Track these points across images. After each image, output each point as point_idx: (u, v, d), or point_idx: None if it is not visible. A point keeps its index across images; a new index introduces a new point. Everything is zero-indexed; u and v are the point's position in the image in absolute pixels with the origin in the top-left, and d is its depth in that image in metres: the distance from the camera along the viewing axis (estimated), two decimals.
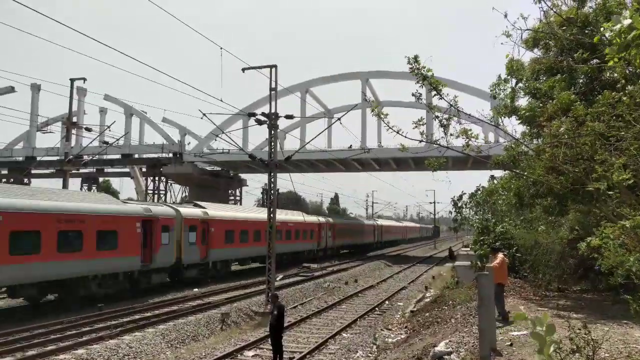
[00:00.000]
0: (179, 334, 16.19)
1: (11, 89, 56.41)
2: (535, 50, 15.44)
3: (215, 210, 29.58)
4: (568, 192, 11.19)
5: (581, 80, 14.27)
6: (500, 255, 12.54)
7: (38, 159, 53.93)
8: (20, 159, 56.87)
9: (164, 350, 14.77)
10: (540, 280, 16.94)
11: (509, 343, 9.19)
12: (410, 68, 11.05)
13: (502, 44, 10.11)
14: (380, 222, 70.03)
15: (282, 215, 37.01)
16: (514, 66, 14.49)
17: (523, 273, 18.56)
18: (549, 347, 2.69)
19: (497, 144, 23.88)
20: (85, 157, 37.21)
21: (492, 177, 31.67)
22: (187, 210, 26.47)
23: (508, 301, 13.78)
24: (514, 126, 15.01)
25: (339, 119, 23.63)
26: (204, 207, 28.85)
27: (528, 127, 15.23)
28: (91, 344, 14.02)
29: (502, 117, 14.65)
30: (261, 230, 30.68)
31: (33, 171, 57.43)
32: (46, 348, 13.41)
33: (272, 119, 21.46)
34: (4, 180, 57.40)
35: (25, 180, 57.13)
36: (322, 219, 47.11)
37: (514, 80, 15.30)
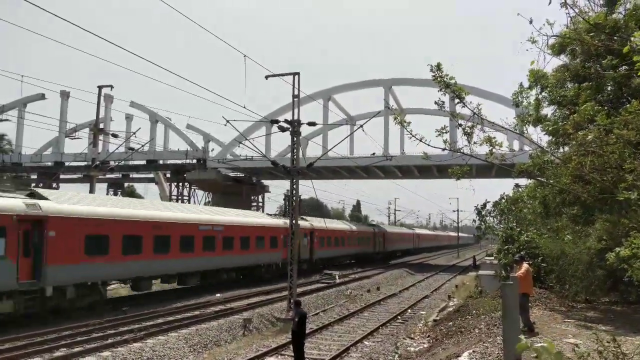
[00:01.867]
0: (201, 338, 16.33)
1: (41, 96, 58.02)
2: (562, 56, 15.23)
3: (317, 222, 39.92)
4: (596, 201, 10.98)
5: (609, 88, 14.02)
6: (525, 265, 12.35)
7: (66, 164, 55.18)
8: (50, 164, 58.26)
9: (187, 355, 14.90)
10: (567, 291, 16.61)
11: (535, 355, 9.02)
12: (433, 76, 11.04)
13: (527, 50, 10.01)
14: (418, 230, 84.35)
15: (346, 225, 50.17)
16: (536, 75, 14.29)
17: (549, 283, 18.22)
18: None
19: (521, 152, 23.58)
20: (112, 162, 37.96)
21: (517, 185, 31.25)
22: (303, 223, 35.22)
23: (534, 312, 13.54)
24: (539, 134, 14.75)
25: (361, 126, 23.65)
26: (309, 220, 38.49)
27: (553, 137, 15.02)
28: (116, 346, 14.24)
29: (527, 126, 14.48)
30: (345, 237, 45.37)
31: (61, 176, 58.83)
32: (73, 350, 13.67)
33: (294, 126, 21.58)
34: (32, 184, 58.89)
35: (54, 185, 58.53)
36: (376, 229, 57.61)
37: (537, 89, 15.11)
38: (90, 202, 20.86)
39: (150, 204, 25.75)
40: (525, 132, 13.61)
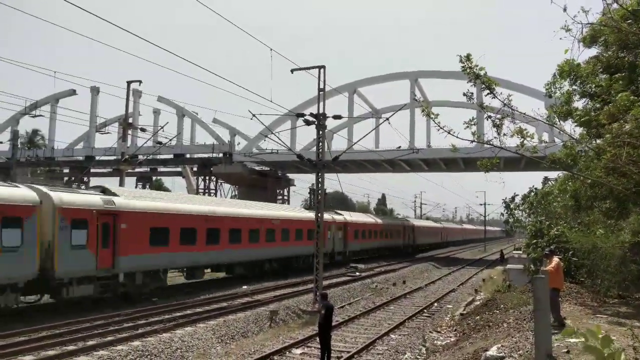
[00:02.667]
0: (228, 329, 16.55)
1: (72, 92, 59.38)
2: (594, 47, 14.81)
3: (350, 217, 41.95)
4: (631, 194, 10.69)
5: None
6: (555, 259, 12.13)
7: (97, 158, 56.39)
8: (81, 158, 59.64)
9: (215, 345, 15.14)
10: (599, 286, 16.25)
11: (566, 350, 8.87)
12: (463, 67, 10.87)
13: (560, 39, 9.75)
14: (445, 224, 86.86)
15: (377, 219, 52.22)
16: (567, 67, 13.89)
17: (580, 278, 17.86)
18: (619, 355, 2.59)
19: (553, 144, 23.09)
20: (140, 156, 38.60)
21: (546, 178, 30.65)
22: (338, 217, 39.03)
23: (564, 307, 13.30)
24: (571, 126, 14.38)
25: (387, 119, 23.47)
26: (342, 214, 40.71)
27: (585, 129, 14.63)
28: (146, 336, 14.54)
29: (559, 118, 14.13)
30: (377, 231, 47.51)
31: (91, 170, 60.17)
32: (105, 338, 14.02)
33: (320, 120, 21.57)
34: (65, 178, 60.42)
35: (85, 179, 59.95)
36: (406, 222, 60.12)
37: (570, 80, 14.71)
38: (153, 197, 23.06)
39: (202, 199, 28.07)
40: (557, 123, 13.28)
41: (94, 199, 18.47)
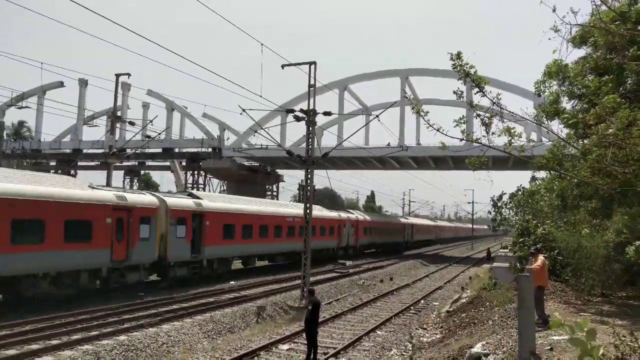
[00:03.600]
0: (215, 325, 16.51)
1: (60, 84, 58.64)
2: (583, 47, 14.91)
3: (360, 215, 48.07)
4: (615, 194, 10.80)
5: (630, 80, 13.70)
6: (541, 257, 12.23)
7: (84, 151, 55.84)
8: (68, 151, 59.01)
9: (201, 341, 15.09)
10: (583, 285, 16.42)
11: (549, 347, 8.97)
12: (453, 65, 10.89)
13: (549, 39, 9.80)
14: (440, 223, 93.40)
15: (383, 217, 58.94)
16: (556, 67, 13.96)
17: (564, 277, 18.04)
18: (597, 350, 2.62)
19: (540, 143, 23.26)
20: (128, 150, 38.31)
21: (534, 177, 30.92)
22: (350, 215, 44.66)
23: (549, 305, 13.44)
24: (559, 126, 14.48)
25: (377, 116, 23.46)
26: (354, 214, 46.50)
27: (572, 130, 14.74)
28: (132, 331, 14.46)
29: (547, 118, 14.21)
30: (383, 229, 53.00)
31: (79, 163, 59.57)
32: (90, 333, 13.91)
33: (310, 116, 21.53)
34: (52, 171, 59.75)
35: (72, 172, 59.33)
36: (405, 221, 64.83)
37: (558, 80, 14.80)
38: (224, 200, 28.81)
39: (255, 201, 33.40)
40: (545, 122, 13.36)
41: (189, 202, 23.82)
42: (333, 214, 40.98)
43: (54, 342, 12.95)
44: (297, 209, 32.77)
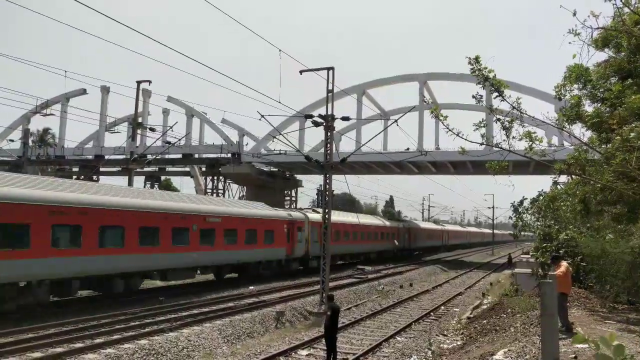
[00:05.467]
0: (234, 330, 16.58)
1: (83, 91, 59.72)
2: (605, 50, 14.65)
3: (412, 224, 60.91)
4: None
5: None
6: (564, 264, 12.04)
7: (106, 157, 56.69)
8: (91, 157, 59.97)
9: (221, 345, 15.17)
10: (608, 292, 16.12)
11: (573, 356, 8.81)
12: (472, 69, 10.82)
13: (569, 43, 9.67)
14: (448, 227, 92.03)
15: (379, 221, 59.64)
16: (576, 71, 13.71)
17: (588, 283, 17.72)
18: None
19: (562, 147, 22.91)
20: (149, 156, 38.75)
21: (555, 182, 30.41)
22: (405, 223, 58.01)
23: (572, 312, 13.20)
24: (581, 130, 14.23)
25: (395, 121, 23.39)
26: (407, 222, 60.13)
27: (596, 133, 14.48)
28: (153, 335, 14.61)
29: (568, 122, 14.00)
30: (432, 234, 66.53)
31: (101, 169, 60.51)
32: (112, 337, 14.10)
33: (328, 121, 21.57)
34: (74, 177, 60.82)
35: (94, 177, 60.30)
36: (441, 226, 76.74)
37: (579, 84, 14.55)
38: (319, 212, 34.82)
39: (342, 213, 42.64)
40: (567, 126, 13.16)
41: (318, 216, 31.62)
42: (377, 220, 51.83)
43: (78, 345, 13.15)
44: (364, 219, 46.40)
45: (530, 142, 10.40)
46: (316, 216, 33.91)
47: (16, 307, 16.02)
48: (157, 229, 20.92)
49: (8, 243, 15.53)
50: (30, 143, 59.90)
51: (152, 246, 20.60)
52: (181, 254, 22.13)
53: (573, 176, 15.80)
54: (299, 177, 64.05)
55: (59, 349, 12.67)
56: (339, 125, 38.33)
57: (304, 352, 14.44)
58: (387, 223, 51.42)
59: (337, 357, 13.11)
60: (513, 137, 10.84)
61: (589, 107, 14.44)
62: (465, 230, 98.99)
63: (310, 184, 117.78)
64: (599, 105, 14.47)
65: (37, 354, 12.19)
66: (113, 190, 21.03)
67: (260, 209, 30.45)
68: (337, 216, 37.94)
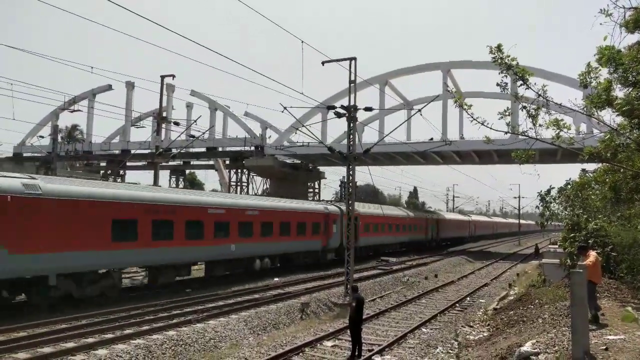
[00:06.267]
0: (260, 321, 16.75)
1: (109, 87, 60.79)
2: (637, 32, 14.17)
3: (441, 215, 62.12)
4: None
5: None
6: (593, 253, 11.79)
7: (132, 152, 57.68)
8: (117, 152, 61.13)
9: (247, 336, 15.35)
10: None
11: (604, 347, 8.63)
12: (493, 58, 10.61)
13: (600, 24, 9.37)
14: (474, 217, 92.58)
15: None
16: (607, 54, 13.26)
17: (619, 274, 17.29)
18: None
19: (590, 134, 22.35)
20: (174, 150, 39.29)
21: (584, 170, 29.75)
22: (434, 215, 59.26)
23: (603, 303, 12.93)
24: (611, 116, 13.81)
25: (419, 110, 23.17)
26: (436, 213, 61.21)
27: (627, 119, 14.04)
28: (180, 326, 14.87)
29: (597, 108, 13.61)
30: (460, 225, 68.16)
31: (127, 164, 61.59)
32: (141, 328, 14.40)
33: (351, 112, 21.47)
34: (101, 172, 62.06)
35: (121, 172, 61.41)
36: (467, 217, 77.13)
37: (610, 68, 14.10)
38: (364, 207, 39.12)
39: (381, 207, 43.51)
40: (595, 113, 12.80)
41: (340, 209, 33.03)
42: (419, 213, 55.57)
43: (108, 335, 13.47)
44: (402, 212, 49.65)
45: (558, 130, 10.17)
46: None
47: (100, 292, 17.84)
48: (227, 224, 23.63)
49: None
50: (59, 139, 61.23)
51: (225, 238, 23.66)
52: (245, 243, 24.93)
53: (603, 163, 15.42)
54: (321, 169, 64.13)
55: (90, 339, 12.99)
56: (361, 116, 38.22)
57: (329, 343, 14.50)
58: (413, 215, 52.45)
59: (363, 348, 13.15)
60: (540, 125, 10.61)
61: (619, 92, 14.01)
62: (491, 220, 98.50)
63: (333, 176, 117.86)
64: (630, 89, 14.03)
65: (71, 344, 12.53)
66: (184, 191, 26.46)
67: (298, 204, 32.07)
68: (366, 209, 39.36)
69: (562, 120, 10.41)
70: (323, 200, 47.38)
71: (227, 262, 24.20)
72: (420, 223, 51.65)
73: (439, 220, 58.39)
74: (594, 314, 10.77)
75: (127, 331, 13.99)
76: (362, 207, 38.35)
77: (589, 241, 17.19)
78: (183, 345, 13.46)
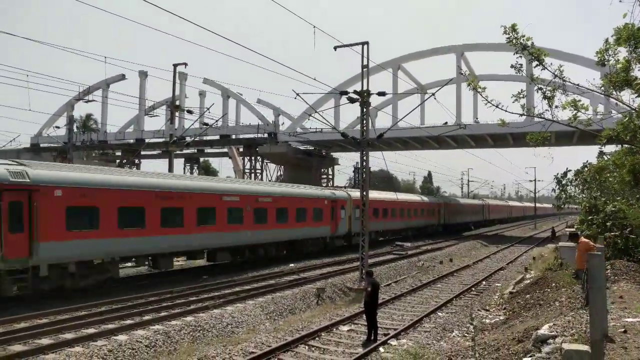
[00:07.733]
0: (276, 306, 16.90)
1: (122, 77, 61.07)
2: None
3: (444, 199, 60.32)
4: None
5: None
6: (584, 240, 11.80)
7: (146, 141, 58.05)
8: (132, 141, 61.55)
9: (263, 322, 15.51)
10: None
11: (623, 329, 8.56)
12: (508, 38, 10.44)
13: (620, 1, 9.15)
14: (510, 203, 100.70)
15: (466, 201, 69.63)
16: (626, 32, 12.92)
17: (638, 256, 17.10)
18: None
19: (609, 115, 21.97)
20: (188, 138, 39.42)
21: (602, 152, 29.30)
22: (441, 200, 58.57)
23: (621, 285, 12.81)
24: (631, 96, 13.52)
25: (433, 94, 22.93)
26: (445, 198, 61.86)
27: None
28: (198, 312, 15.07)
29: (616, 88, 13.33)
30: (474, 210, 68.17)
31: (142, 152, 62.09)
32: (160, 314, 14.63)
33: (364, 97, 21.34)
34: (117, 161, 62.68)
35: (136, 161, 61.91)
36: (481, 201, 76.41)
37: (629, 47, 13.77)
38: (370, 193, 36.66)
39: (395, 193, 46.01)
40: (614, 93, 12.54)
41: (357, 194, 30.59)
42: (432, 199, 55.82)
43: (128, 322, 13.71)
44: (414, 197, 51.68)
45: (575, 111, 10.01)
46: (358, 194, 33.33)
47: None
48: (241, 210, 23.92)
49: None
50: (75, 129, 61.86)
51: (240, 224, 23.85)
52: (261, 231, 25.24)
53: (622, 145, 15.16)
54: (335, 154, 64.02)
55: (110, 326, 13.23)
56: (374, 101, 37.99)
57: (345, 328, 14.59)
58: (425, 199, 52.42)
59: (378, 332, 13.21)
60: (556, 107, 10.46)
61: (639, 72, 13.70)
62: (506, 204, 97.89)
63: (347, 162, 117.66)
64: None
65: (92, 330, 12.78)
66: (195, 177, 27.87)
67: (305, 189, 31.43)
68: (376, 194, 39.14)
69: (579, 101, 10.23)
70: (330, 187, 47.74)
71: (234, 249, 24.11)
72: (432, 207, 51.64)
73: (451, 204, 58.47)
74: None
75: (146, 317, 14.22)
76: (370, 193, 37.31)
77: (607, 224, 17.00)
78: (201, 331, 13.66)
